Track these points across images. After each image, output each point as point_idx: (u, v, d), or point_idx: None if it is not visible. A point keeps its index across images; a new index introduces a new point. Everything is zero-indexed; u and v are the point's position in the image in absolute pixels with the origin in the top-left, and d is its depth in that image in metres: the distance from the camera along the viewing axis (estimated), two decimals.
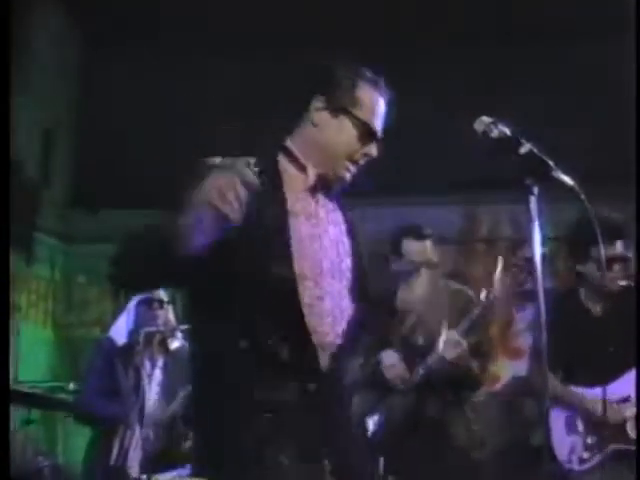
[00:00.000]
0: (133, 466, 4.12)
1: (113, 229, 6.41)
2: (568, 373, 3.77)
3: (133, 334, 4.42)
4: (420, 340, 3.89)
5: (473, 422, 3.97)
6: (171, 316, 4.55)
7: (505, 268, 3.63)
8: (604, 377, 3.51)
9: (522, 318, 5.48)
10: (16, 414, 5.17)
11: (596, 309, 3.89)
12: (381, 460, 3.53)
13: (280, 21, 6.22)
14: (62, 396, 5.08)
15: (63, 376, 6.01)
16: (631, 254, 3.87)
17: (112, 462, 4.17)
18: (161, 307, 4.50)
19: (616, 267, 3.82)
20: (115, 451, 4.19)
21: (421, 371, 3.79)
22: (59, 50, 6.74)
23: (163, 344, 4.50)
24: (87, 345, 6.08)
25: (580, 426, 3.79)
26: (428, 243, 3.94)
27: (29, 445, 4.85)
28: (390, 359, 3.80)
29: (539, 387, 2.21)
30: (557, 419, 3.80)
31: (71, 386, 5.26)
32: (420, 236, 3.93)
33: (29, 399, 4.88)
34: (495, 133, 2.19)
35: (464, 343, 3.75)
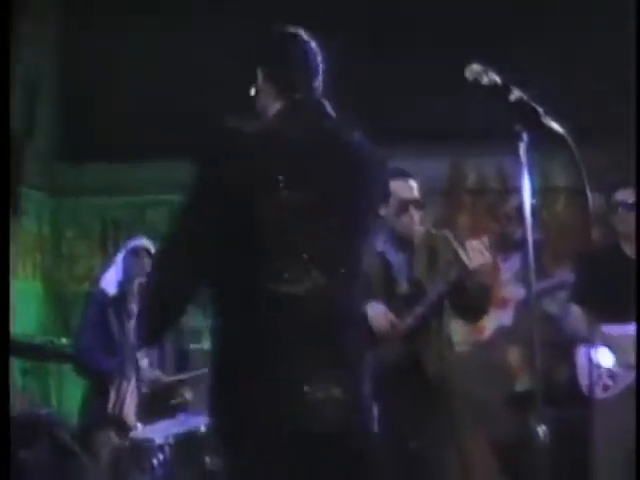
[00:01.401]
0: (129, 414, 4.18)
1: (99, 182, 6.44)
2: (600, 313, 4.05)
3: (124, 284, 4.46)
4: (405, 288, 3.89)
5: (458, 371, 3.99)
6: None
7: (494, 218, 3.64)
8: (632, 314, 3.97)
9: (508, 268, 5.53)
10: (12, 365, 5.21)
11: (632, 252, 4.21)
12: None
13: None
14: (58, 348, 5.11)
15: (54, 331, 6.02)
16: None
17: (109, 411, 4.24)
18: (149, 255, 4.51)
19: (620, 210, 4.23)
20: (112, 400, 4.26)
21: (409, 320, 3.77)
22: None
23: None
24: (77, 300, 6.09)
25: (604, 360, 4.10)
26: (414, 182, 3.92)
27: (26, 395, 4.89)
28: (375, 310, 3.73)
29: (527, 335, 2.27)
30: (582, 356, 4.15)
31: (63, 341, 5.28)
32: (405, 175, 3.91)
33: (26, 350, 4.91)
34: (485, 80, 2.22)
35: (488, 254, 3.64)
